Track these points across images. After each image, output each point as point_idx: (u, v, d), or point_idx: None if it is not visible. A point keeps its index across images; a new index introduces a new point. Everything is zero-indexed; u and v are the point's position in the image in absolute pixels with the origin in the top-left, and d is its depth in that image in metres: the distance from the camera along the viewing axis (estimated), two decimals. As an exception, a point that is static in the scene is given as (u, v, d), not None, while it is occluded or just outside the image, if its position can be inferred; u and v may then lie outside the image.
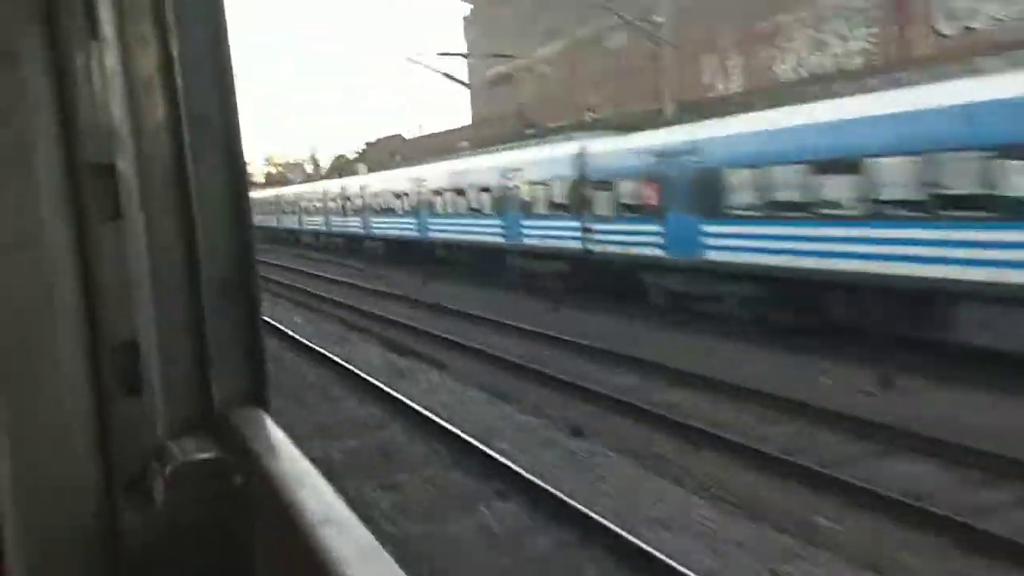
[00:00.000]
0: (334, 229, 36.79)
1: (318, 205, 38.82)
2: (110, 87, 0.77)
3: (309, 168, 66.83)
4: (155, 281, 0.80)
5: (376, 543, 0.53)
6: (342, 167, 53.74)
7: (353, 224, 33.91)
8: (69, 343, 0.77)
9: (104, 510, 0.78)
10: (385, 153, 45.84)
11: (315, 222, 39.55)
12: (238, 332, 0.84)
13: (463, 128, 42.08)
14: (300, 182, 55.06)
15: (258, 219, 41.79)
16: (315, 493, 0.60)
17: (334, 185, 37.53)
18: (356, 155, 56.88)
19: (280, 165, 70.57)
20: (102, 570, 0.77)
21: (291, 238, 43.15)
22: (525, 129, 25.23)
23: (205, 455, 0.76)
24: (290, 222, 43.19)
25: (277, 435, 0.75)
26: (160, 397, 0.81)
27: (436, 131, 47.01)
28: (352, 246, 34.06)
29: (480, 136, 34.95)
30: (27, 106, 0.74)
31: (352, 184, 34.67)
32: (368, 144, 57.04)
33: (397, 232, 28.96)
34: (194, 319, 0.82)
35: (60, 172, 0.76)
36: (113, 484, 0.78)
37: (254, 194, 39.07)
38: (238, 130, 0.83)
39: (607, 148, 17.43)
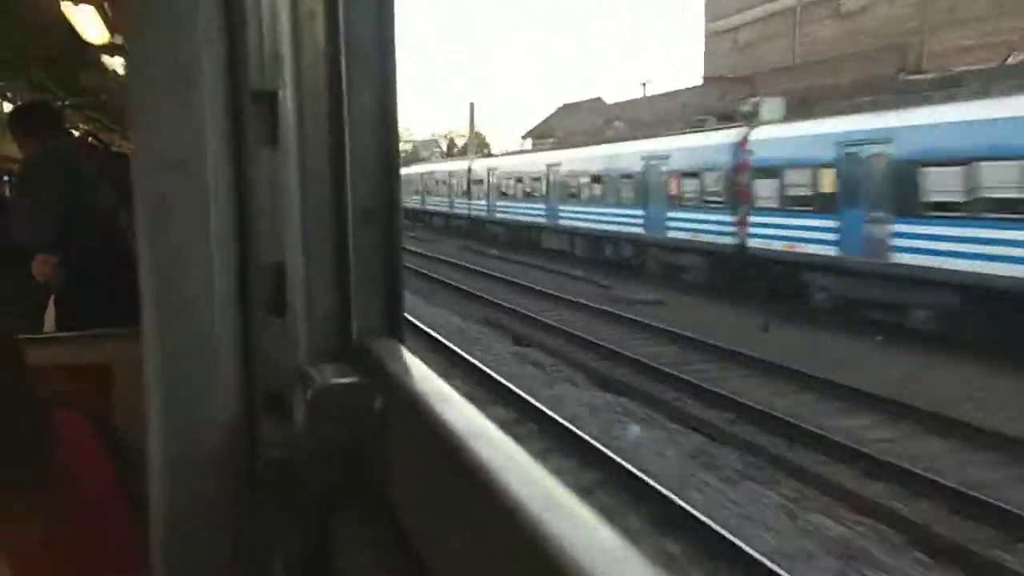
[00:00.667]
0: (457, 211, 36.67)
1: (443, 185, 39.03)
2: (277, 17, 0.79)
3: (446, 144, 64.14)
4: (304, 208, 0.82)
5: (525, 453, 0.52)
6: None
7: (478, 207, 33.56)
8: (222, 261, 0.80)
9: (245, 428, 0.81)
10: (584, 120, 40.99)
11: (439, 202, 39.65)
12: (379, 264, 0.85)
13: (689, 90, 36.15)
14: (436, 159, 53.65)
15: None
16: (459, 411, 0.60)
17: (460, 165, 37.58)
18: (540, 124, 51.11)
19: (411, 142, 69.26)
20: (241, 483, 0.80)
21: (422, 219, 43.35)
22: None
23: (345, 379, 0.77)
24: (413, 202, 43.48)
25: (416, 362, 0.75)
26: (302, 323, 0.83)
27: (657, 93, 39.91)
28: (475, 228, 33.79)
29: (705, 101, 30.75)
30: (197, 37, 0.77)
31: (481, 165, 34.42)
32: (563, 107, 50.64)
33: (525, 217, 28.19)
34: (338, 248, 0.84)
35: (225, 98, 0.79)
36: (255, 403, 0.81)
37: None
38: (394, 68, 0.84)
39: (774, 134, 15.81)
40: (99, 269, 3.36)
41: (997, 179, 10.99)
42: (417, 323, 13.52)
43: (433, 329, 13.38)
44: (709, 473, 7.70)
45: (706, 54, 37.89)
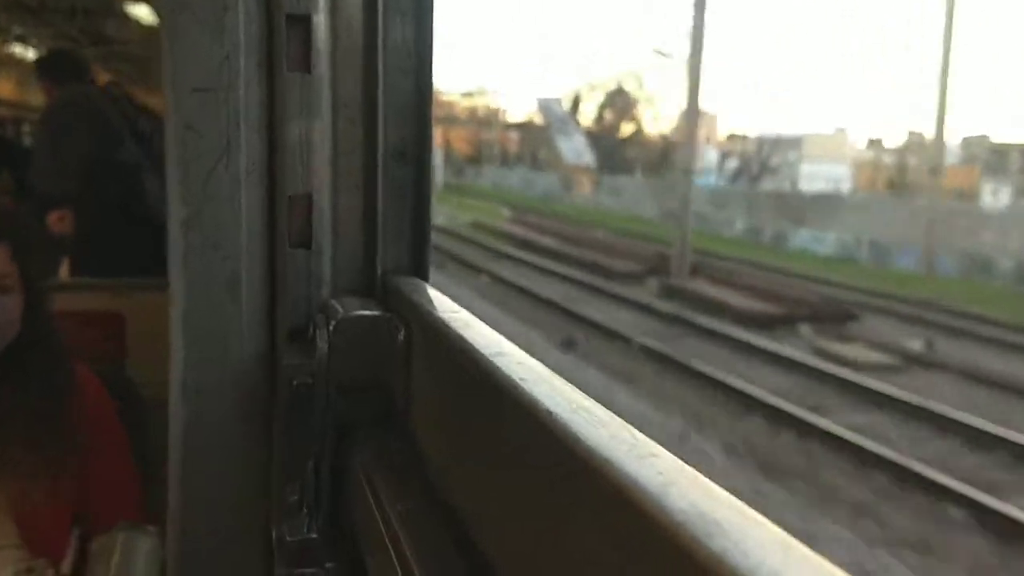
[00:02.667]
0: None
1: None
2: None
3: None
4: (335, 141, 0.81)
5: (550, 371, 0.52)
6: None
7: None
8: (250, 191, 0.79)
9: (267, 357, 0.81)
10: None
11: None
12: (408, 200, 0.84)
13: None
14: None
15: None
16: (482, 335, 0.60)
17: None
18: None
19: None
20: (260, 408, 0.81)
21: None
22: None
23: (369, 312, 0.76)
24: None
25: (440, 297, 0.75)
26: (328, 255, 0.82)
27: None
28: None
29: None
30: None
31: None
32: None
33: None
34: (368, 185, 0.83)
35: (259, 20, 0.77)
36: (277, 332, 0.81)
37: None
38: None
39: None
40: (118, 226, 3.34)
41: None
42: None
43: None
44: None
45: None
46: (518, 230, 22.70)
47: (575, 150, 42.84)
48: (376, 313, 0.76)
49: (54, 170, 3.58)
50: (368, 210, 0.83)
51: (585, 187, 37.77)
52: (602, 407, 0.46)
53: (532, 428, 0.46)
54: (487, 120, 49.82)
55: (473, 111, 49.87)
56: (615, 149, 42.51)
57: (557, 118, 45.57)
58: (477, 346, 0.57)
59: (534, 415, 0.46)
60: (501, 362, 0.53)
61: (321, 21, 0.78)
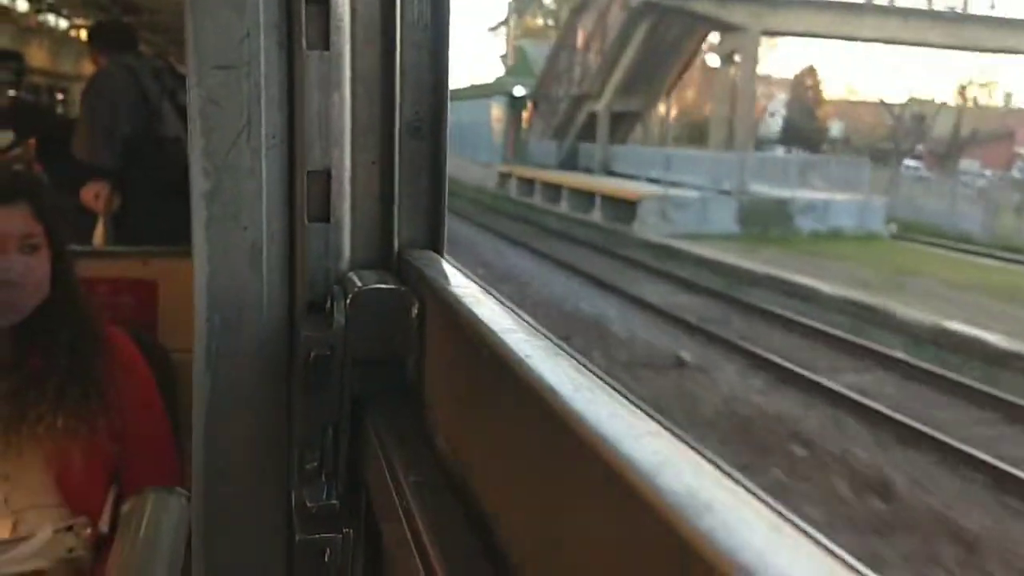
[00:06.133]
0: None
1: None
2: None
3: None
4: (353, 116, 0.82)
5: (557, 346, 0.53)
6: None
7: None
8: (271, 165, 0.81)
9: (286, 329, 0.84)
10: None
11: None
12: (424, 175, 0.85)
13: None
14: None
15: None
16: (494, 310, 0.61)
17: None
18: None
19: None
20: (280, 377, 0.84)
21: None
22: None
23: (385, 285, 0.78)
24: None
25: (454, 272, 0.76)
26: (347, 229, 0.84)
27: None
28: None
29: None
30: None
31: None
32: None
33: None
34: (385, 159, 0.84)
35: (279, 2, 0.79)
36: (295, 304, 0.83)
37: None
38: None
39: None
40: (157, 200, 3.36)
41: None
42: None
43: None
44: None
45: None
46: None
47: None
48: (392, 286, 0.78)
49: (93, 143, 3.61)
50: (385, 185, 0.85)
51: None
52: (606, 386, 0.47)
53: (535, 405, 0.46)
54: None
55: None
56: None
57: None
58: (486, 321, 0.58)
59: (538, 392, 0.47)
60: (509, 338, 0.54)
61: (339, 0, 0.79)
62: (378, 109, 0.83)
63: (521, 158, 31.95)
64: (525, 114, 35.91)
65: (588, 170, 27.74)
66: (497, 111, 36.13)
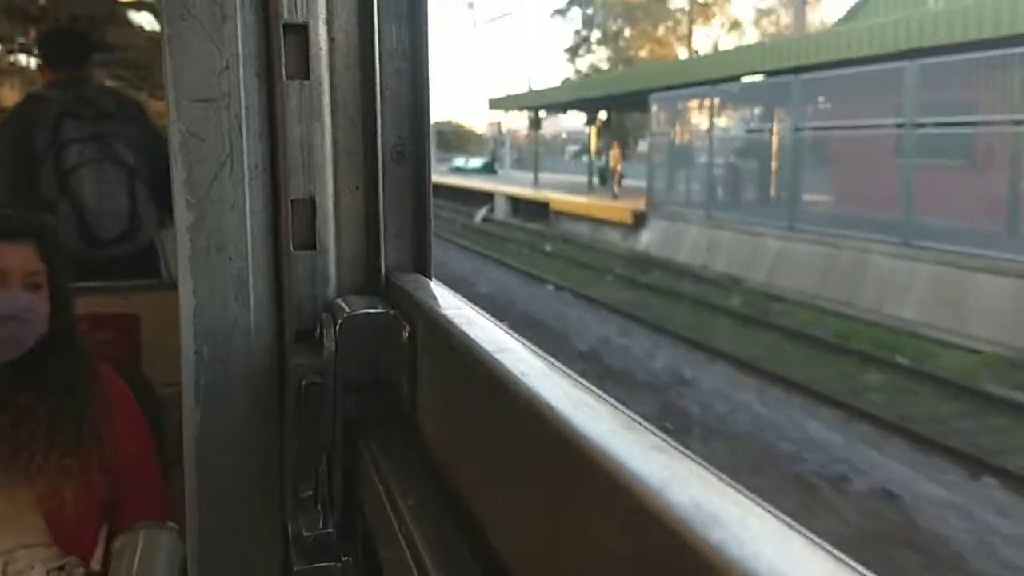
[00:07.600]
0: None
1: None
2: None
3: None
4: (335, 143, 0.82)
5: (553, 365, 0.53)
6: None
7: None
8: (254, 196, 0.81)
9: (276, 355, 0.84)
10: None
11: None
12: (408, 200, 0.85)
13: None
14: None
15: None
16: (486, 330, 0.61)
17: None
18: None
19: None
20: (271, 406, 0.83)
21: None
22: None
23: (374, 310, 0.78)
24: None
25: (443, 293, 0.76)
26: (333, 256, 0.84)
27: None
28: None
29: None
30: None
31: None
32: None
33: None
34: (368, 183, 0.84)
35: (257, 30, 0.79)
36: (284, 333, 0.83)
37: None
38: (425, 3, 0.83)
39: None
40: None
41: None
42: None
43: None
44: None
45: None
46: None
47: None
48: (381, 311, 0.78)
49: None
50: (370, 210, 0.85)
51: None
52: (604, 401, 0.47)
53: (534, 423, 0.46)
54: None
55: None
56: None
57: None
58: (480, 342, 0.58)
59: (536, 410, 0.47)
60: (505, 357, 0.54)
61: (318, 29, 0.80)
62: (360, 135, 0.83)
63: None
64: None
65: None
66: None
